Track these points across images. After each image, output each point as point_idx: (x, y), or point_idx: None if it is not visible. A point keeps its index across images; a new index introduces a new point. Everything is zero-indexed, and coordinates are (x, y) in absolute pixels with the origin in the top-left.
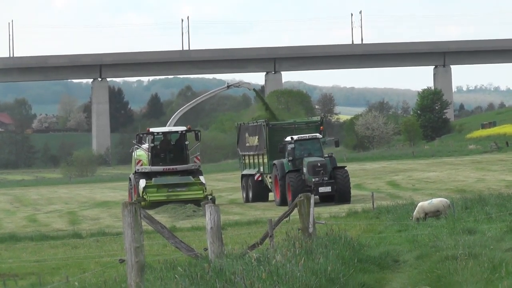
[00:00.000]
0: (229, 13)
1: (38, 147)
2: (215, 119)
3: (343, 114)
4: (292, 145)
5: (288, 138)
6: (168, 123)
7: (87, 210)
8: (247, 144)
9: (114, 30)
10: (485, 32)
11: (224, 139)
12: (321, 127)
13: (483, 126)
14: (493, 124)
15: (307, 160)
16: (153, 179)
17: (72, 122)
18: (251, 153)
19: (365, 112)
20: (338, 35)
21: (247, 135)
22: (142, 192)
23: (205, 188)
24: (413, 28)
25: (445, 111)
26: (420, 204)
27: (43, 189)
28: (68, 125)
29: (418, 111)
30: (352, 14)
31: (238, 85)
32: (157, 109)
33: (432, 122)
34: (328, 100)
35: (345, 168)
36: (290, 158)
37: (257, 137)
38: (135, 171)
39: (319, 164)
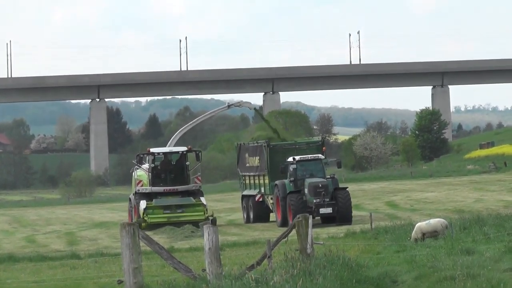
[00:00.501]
0: (227, 34)
1: (36, 168)
2: (214, 140)
3: (341, 134)
4: (294, 166)
5: (290, 159)
6: (169, 143)
7: (85, 230)
8: (248, 165)
9: (112, 50)
10: (483, 52)
11: (223, 159)
12: (323, 148)
13: (481, 146)
14: (491, 144)
15: (308, 181)
16: (153, 200)
17: (70, 142)
18: (252, 173)
19: (363, 132)
20: (336, 55)
21: (247, 155)
22: (143, 214)
23: (206, 210)
24: (411, 48)
25: (443, 131)
26: (418, 224)
27: (41, 210)
28: (66, 146)
29: (416, 131)
30: (350, 34)
31: (239, 104)
32: (155, 130)
33: (430, 142)
34: (326, 121)
35: (347, 189)
36: (292, 178)
37: (257, 157)
38: (135, 191)
39: (320, 185)
